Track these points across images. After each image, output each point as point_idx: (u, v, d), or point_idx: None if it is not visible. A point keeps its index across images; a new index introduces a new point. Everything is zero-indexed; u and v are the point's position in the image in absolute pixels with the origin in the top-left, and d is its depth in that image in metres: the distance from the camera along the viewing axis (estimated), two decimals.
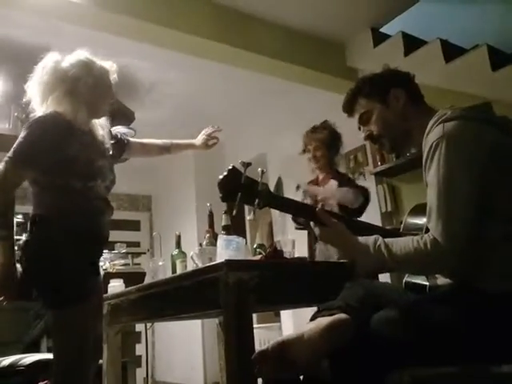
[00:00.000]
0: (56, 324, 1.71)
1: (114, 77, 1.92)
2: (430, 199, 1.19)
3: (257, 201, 1.25)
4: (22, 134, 1.70)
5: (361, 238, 1.26)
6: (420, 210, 1.44)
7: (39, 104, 1.81)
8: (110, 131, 2.03)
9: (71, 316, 1.67)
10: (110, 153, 1.95)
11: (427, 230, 1.21)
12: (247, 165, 1.27)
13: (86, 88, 1.79)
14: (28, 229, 1.71)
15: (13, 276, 1.62)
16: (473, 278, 1.16)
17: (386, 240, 1.22)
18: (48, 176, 1.72)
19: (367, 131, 1.43)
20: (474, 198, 1.15)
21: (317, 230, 1.32)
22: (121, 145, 2.10)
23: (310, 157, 2.67)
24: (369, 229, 1.36)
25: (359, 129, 1.47)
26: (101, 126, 1.94)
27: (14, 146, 1.67)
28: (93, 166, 1.79)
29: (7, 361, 2.18)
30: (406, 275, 1.41)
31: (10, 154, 1.66)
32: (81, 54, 1.85)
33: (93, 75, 1.82)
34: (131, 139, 2.21)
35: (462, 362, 1.07)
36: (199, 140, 2.31)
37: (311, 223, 1.34)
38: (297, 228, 2.72)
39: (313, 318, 1.20)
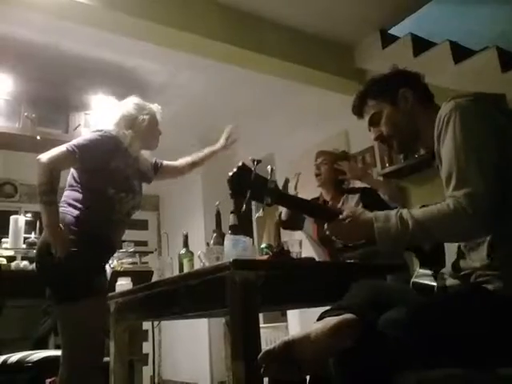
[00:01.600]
0: (65, 319, 1.82)
1: (159, 116, 2.27)
2: (447, 165, 1.17)
3: (266, 198, 1.25)
4: (87, 135, 2.11)
5: (380, 212, 1.23)
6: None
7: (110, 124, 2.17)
8: (154, 162, 2.40)
9: (81, 311, 1.78)
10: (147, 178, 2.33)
11: None
12: (257, 162, 1.27)
13: (142, 125, 2.17)
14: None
15: (61, 233, 1.84)
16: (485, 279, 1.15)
17: (410, 210, 1.20)
18: (87, 174, 2.03)
19: (377, 132, 1.43)
20: (495, 159, 1.12)
21: (328, 227, 1.32)
22: (155, 168, 2.40)
23: (316, 172, 2.67)
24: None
25: (369, 130, 1.47)
26: (147, 157, 2.33)
27: (78, 140, 2.02)
28: (128, 182, 2.10)
29: (15, 357, 2.20)
30: (414, 276, 1.40)
31: (71, 143, 1.96)
32: (135, 99, 2.24)
33: (146, 114, 2.20)
34: (165, 162, 2.46)
35: (471, 364, 1.06)
36: (219, 143, 2.54)
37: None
38: (284, 228, 2.72)
39: (320, 318, 1.20)
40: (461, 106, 1.19)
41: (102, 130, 2.09)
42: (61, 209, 1.95)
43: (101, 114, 3.82)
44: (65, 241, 1.83)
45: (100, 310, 1.93)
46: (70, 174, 2.08)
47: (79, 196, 2.00)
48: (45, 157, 1.88)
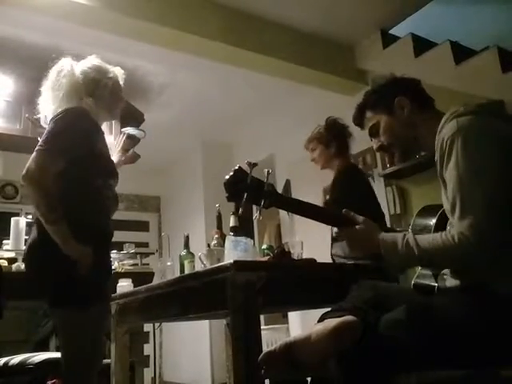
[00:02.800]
0: (69, 324, 1.67)
1: (122, 81, 1.97)
2: (451, 193, 1.18)
3: (263, 201, 1.26)
4: (53, 125, 1.70)
5: (388, 234, 1.27)
6: (428, 211, 1.44)
7: (57, 105, 1.81)
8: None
9: (86, 316, 1.65)
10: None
11: (436, 230, 1.21)
12: (253, 165, 1.28)
13: (106, 91, 1.85)
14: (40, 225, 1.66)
15: (80, 249, 1.63)
16: (487, 279, 1.15)
17: (415, 235, 1.22)
18: (74, 169, 1.69)
19: (378, 142, 1.46)
20: (499, 188, 1.13)
21: (337, 232, 1.35)
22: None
23: (311, 159, 2.63)
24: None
25: (371, 140, 1.49)
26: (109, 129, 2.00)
27: (46, 135, 1.67)
28: (112, 165, 1.88)
29: (16, 359, 2.19)
30: (415, 277, 1.40)
31: (41, 143, 1.64)
32: (94, 59, 1.90)
33: (109, 78, 1.88)
34: None
35: (472, 365, 1.07)
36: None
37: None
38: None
39: (321, 320, 1.20)
40: (463, 127, 1.18)
41: (67, 110, 1.73)
42: None
43: None
44: (87, 255, 1.64)
45: (109, 314, 1.84)
46: None
47: (68, 197, 1.70)
48: (26, 175, 1.60)
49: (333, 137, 2.58)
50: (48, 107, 1.85)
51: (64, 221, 1.63)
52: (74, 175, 1.71)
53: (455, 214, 1.16)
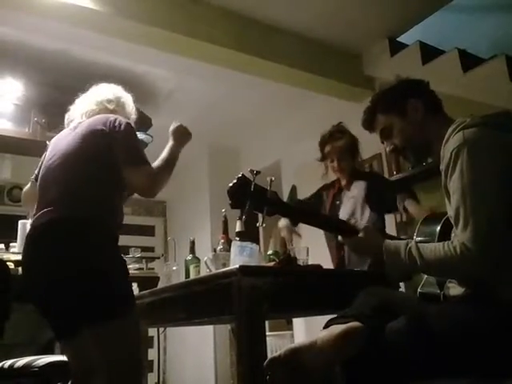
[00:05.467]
0: (107, 336, 1.52)
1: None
2: (455, 205, 1.19)
3: (265, 208, 1.27)
4: (130, 136, 1.70)
5: (391, 242, 1.28)
6: (433, 218, 1.44)
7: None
8: None
9: (130, 322, 1.56)
10: None
11: (440, 239, 1.21)
12: (256, 173, 1.30)
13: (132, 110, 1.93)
14: (64, 235, 1.55)
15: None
16: (493, 287, 1.15)
17: (418, 244, 1.23)
18: (118, 170, 1.66)
19: (391, 145, 1.45)
20: (502, 200, 1.14)
21: (343, 240, 1.37)
22: None
23: (335, 166, 2.58)
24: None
25: (382, 143, 1.48)
26: None
27: (137, 146, 1.71)
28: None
29: (22, 362, 2.20)
30: (421, 285, 1.40)
31: (140, 159, 1.66)
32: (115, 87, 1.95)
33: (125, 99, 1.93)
34: None
35: (477, 374, 1.06)
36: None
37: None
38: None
39: (326, 326, 1.20)
40: (469, 140, 1.19)
41: (126, 121, 1.75)
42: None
43: None
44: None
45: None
46: (98, 159, 1.66)
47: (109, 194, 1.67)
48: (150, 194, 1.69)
49: (355, 147, 2.60)
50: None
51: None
52: (119, 177, 1.67)
53: (458, 225, 1.17)
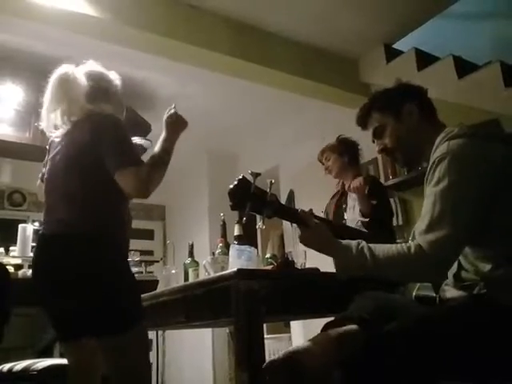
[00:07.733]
0: (118, 347, 1.51)
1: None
2: (424, 209, 1.21)
3: (265, 210, 1.28)
4: (115, 133, 1.61)
5: (344, 240, 1.27)
6: None
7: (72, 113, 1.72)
8: None
9: (139, 331, 1.56)
10: None
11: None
12: (256, 175, 1.30)
13: (115, 97, 1.80)
14: (74, 246, 1.53)
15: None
16: (489, 290, 1.16)
17: (371, 244, 1.23)
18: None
19: (381, 145, 1.45)
20: (470, 214, 1.15)
21: (298, 232, 1.35)
22: None
23: (325, 168, 2.71)
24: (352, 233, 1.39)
25: (373, 141, 1.49)
26: None
27: (123, 147, 1.59)
28: None
29: (20, 365, 2.20)
30: (416, 289, 1.41)
31: (131, 159, 1.57)
32: (96, 65, 1.85)
33: (115, 84, 1.83)
34: None
35: (475, 378, 1.07)
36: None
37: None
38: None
39: (324, 329, 1.21)
40: (452, 150, 1.20)
41: (112, 116, 1.68)
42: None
43: None
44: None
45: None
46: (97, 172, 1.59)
47: (102, 211, 1.62)
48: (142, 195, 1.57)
49: (345, 148, 2.67)
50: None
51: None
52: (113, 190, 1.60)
53: (421, 227, 1.18)
